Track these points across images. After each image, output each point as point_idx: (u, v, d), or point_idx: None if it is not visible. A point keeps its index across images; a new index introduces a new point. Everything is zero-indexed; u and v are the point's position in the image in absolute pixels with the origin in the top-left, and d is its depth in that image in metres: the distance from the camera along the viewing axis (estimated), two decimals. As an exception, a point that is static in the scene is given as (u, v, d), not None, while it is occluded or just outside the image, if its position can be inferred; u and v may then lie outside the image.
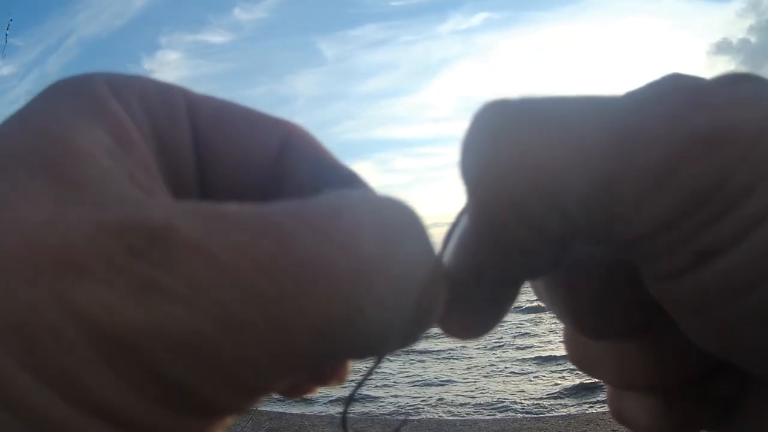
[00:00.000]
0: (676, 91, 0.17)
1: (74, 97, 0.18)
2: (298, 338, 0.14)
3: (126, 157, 0.17)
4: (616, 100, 0.17)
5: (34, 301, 0.13)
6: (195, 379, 0.14)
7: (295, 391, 0.24)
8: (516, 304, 0.22)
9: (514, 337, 7.98)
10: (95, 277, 0.13)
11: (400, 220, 0.16)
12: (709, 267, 0.16)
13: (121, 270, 0.13)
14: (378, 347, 0.16)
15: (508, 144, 0.17)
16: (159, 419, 0.14)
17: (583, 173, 0.16)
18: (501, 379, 6.37)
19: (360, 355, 0.17)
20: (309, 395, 0.25)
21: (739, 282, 0.16)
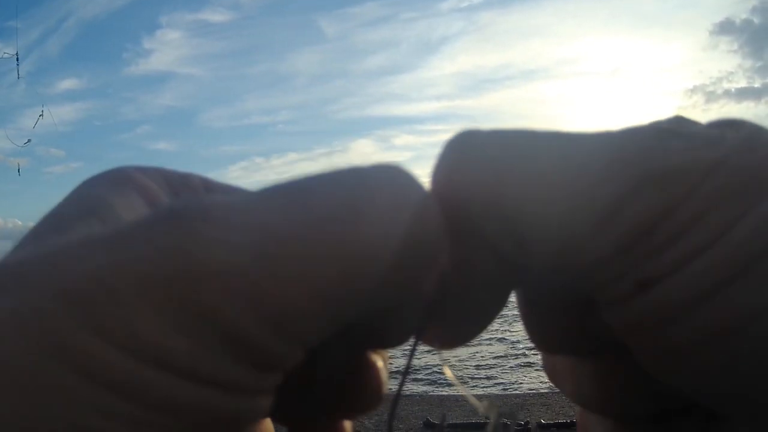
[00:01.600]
0: (643, 131, 0.18)
1: (107, 178, 0.22)
2: (328, 275, 0.16)
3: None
4: (584, 138, 0.18)
5: (90, 269, 0.15)
6: (243, 320, 0.15)
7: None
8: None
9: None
10: (141, 239, 0.15)
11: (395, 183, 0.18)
12: (649, 294, 0.17)
13: (163, 227, 0.15)
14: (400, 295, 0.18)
15: (474, 170, 0.19)
16: (218, 368, 0.15)
17: (540, 205, 0.18)
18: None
19: (389, 301, 0.18)
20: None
21: (676, 308, 0.17)
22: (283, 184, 0.17)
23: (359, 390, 0.24)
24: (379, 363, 0.24)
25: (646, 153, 0.17)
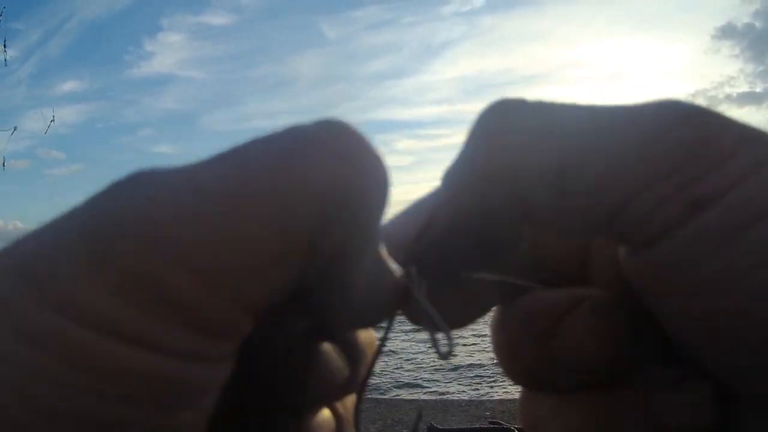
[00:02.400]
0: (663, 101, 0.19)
1: (123, 188, 0.22)
2: (261, 230, 0.15)
3: None
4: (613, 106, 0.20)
5: (36, 245, 0.16)
6: (179, 282, 0.15)
7: None
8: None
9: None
10: (77, 213, 0.16)
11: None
12: (703, 214, 0.17)
13: (101, 197, 0.16)
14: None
15: (521, 126, 0.20)
16: (165, 334, 0.15)
17: (585, 140, 0.19)
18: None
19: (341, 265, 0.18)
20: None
21: (730, 227, 0.17)
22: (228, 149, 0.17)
23: (304, 378, 0.23)
24: (330, 352, 0.23)
25: (670, 104, 0.19)
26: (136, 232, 0.15)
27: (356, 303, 0.20)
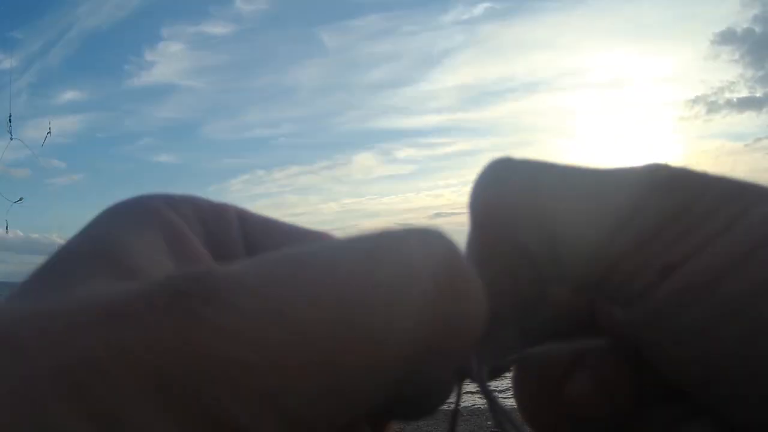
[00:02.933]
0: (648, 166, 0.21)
1: (129, 213, 0.21)
2: (344, 367, 0.14)
3: (176, 252, 0.20)
4: (597, 170, 0.21)
5: (85, 348, 0.13)
6: (238, 408, 0.13)
7: None
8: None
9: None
10: (139, 319, 0.14)
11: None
12: (673, 277, 0.19)
13: (163, 308, 0.14)
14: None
15: (513, 188, 0.21)
16: None
17: (570, 213, 0.20)
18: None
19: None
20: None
21: (695, 288, 0.19)
22: (306, 252, 0.16)
23: None
24: None
25: (654, 170, 0.21)
26: (211, 367, 0.13)
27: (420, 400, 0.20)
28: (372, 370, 0.15)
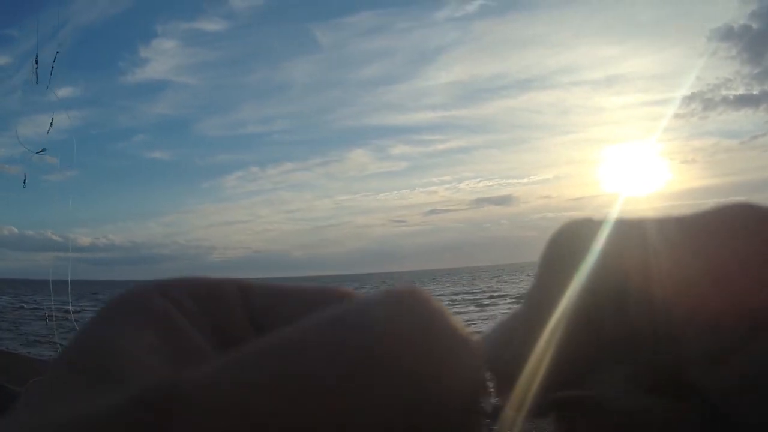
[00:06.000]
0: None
1: (121, 312, 0.21)
2: None
3: (172, 347, 0.20)
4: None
5: None
6: None
7: None
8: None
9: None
10: None
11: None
12: (762, 336, 0.18)
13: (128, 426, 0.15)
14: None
15: (580, 249, 0.21)
16: None
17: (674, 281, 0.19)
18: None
19: None
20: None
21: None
22: (274, 347, 0.16)
23: None
24: None
25: (741, 212, 0.19)
26: None
27: None
28: None
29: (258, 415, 0.15)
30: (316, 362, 0.16)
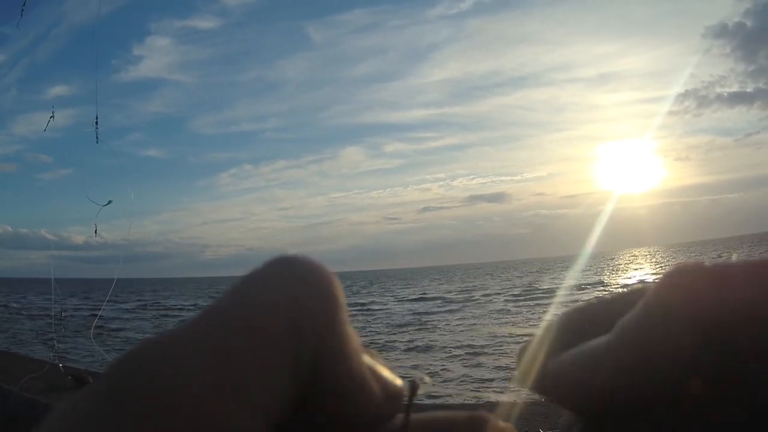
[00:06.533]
0: None
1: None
2: None
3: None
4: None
5: None
6: None
7: None
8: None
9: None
10: None
11: None
12: None
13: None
14: None
15: (692, 294, 0.21)
16: None
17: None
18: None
19: None
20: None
21: None
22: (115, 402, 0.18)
23: None
24: None
25: None
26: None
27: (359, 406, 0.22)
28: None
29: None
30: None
